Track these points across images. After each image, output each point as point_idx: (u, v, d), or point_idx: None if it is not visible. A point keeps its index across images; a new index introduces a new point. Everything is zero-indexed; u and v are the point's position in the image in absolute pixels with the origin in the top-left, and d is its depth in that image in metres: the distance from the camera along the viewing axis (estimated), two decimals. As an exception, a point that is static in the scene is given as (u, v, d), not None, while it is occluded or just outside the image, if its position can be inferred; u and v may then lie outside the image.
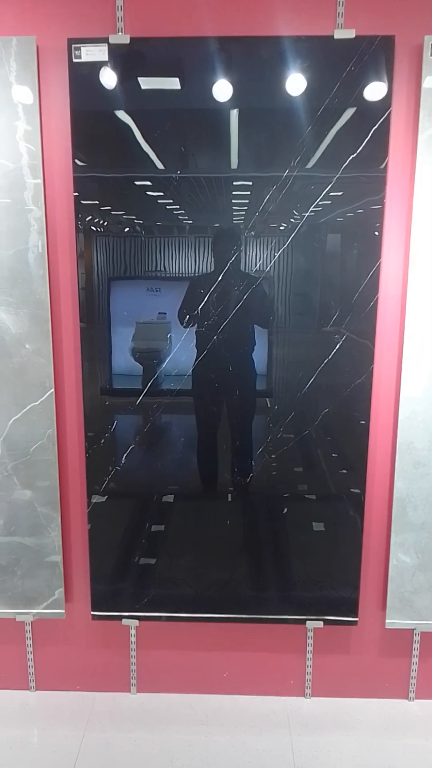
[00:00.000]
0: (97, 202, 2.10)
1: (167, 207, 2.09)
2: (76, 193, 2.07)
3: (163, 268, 2.16)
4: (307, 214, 2.05)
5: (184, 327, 2.17)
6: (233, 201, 2.08)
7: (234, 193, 2.07)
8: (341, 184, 2.02)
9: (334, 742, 2.22)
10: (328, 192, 2.03)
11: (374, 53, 1.92)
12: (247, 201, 2.07)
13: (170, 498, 2.31)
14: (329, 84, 1.94)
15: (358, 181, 2.02)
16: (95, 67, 1.97)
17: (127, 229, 2.13)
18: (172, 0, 1.98)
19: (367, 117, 1.96)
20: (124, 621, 2.34)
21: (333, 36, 1.92)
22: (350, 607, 2.30)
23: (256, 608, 2.32)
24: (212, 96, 1.98)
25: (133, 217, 2.12)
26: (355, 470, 2.22)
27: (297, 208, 2.05)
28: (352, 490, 2.23)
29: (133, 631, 2.42)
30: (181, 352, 2.18)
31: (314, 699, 2.44)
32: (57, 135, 2.06)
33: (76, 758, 2.14)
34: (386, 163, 2.00)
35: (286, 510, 2.28)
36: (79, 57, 1.95)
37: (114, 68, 1.97)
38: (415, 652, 2.38)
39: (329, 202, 2.04)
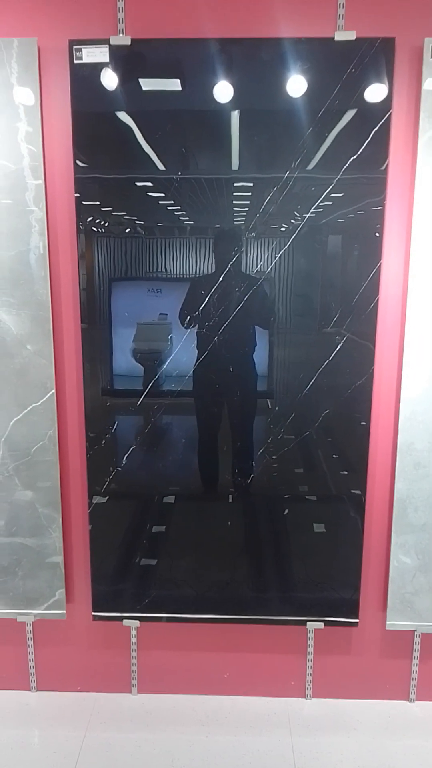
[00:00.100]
0: (98, 203, 2.10)
1: (168, 208, 2.10)
2: (77, 194, 2.08)
3: (164, 269, 2.16)
4: (307, 216, 2.06)
5: (185, 328, 2.17)
6: (234, 202, 2.08)
7: (235, 194, 2.08)
8: (342, 185, 2.02)
9: (335, 743, 2.22)
10: (329, 193, 2.03)
11: (375, 55, 1.92)
12: (248, 202, 2.08)
13: (171, 499, 2.31)
14: (330, 86, 1.94)
15: (358, 183, 2.02)
16: (96, 68, 1.97)
17: (128, 230, 2.13)
18: (173, 1, 1.99)
19: (367, 119, 1.96)
20: (125, 622, 2.34)
21: (333, 38, 1.92)
22: (351, 608, 2.30)
23: (256, 609, 2.33)
24: (213, 97, 1.99)
25: (134, 218, 2.13)
26: (356, 471, 2.22)
27: (298, 209, 2.06)
28: (352, 491, 2.23)
29: (133, 632, 2.42)
30: (182, 353, 2.18)
31: (315, 700, 2.44)
32: (58, 136, 2.06)
33: (77, 759, 2.14)
34: (387, 165, 2.00)
35: (286, 511, 2.28)
36: (80, 58, 1.96)
37: (115, 69, 1.97)
38: (416, 654, 2.38)
39: (330, 204, 2.04)
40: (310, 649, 2.41)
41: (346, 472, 2.24)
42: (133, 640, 2.43)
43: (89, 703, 2.42)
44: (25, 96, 1.99)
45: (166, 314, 2.20)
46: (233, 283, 2.12)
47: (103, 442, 2.24)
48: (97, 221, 2.12)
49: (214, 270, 2.13)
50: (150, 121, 2.02)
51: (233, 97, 1.98)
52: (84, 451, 2.26)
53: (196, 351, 2.18)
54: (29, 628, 2.43)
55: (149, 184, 2.07)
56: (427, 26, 1.96)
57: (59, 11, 2.01)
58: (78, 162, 2.05)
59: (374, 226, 2.06)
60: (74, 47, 1.96)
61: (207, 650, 2.43)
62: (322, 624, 2.30)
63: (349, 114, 1.97)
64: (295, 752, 2.17)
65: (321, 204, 2.04)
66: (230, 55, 1.96)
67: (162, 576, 2.32)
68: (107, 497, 2.27)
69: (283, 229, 2.08)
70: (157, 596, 2.32)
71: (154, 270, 2.16)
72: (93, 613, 2.34)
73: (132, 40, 1.95)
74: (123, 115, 2.02)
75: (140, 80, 1.99)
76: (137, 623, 2.36)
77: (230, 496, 2.29)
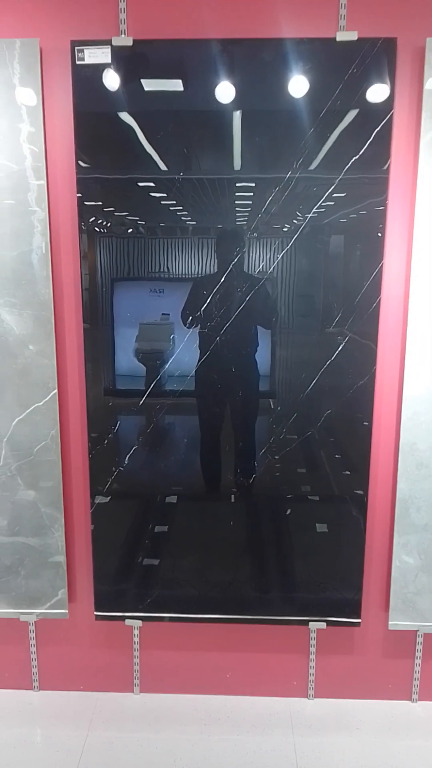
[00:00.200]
0: (100, 204, 2.10)
1: (170, 208, 2.10)
2: (80, 195, 2.08)
3: (166, 269, 2.16)
4: (309, 216, 2.06)
5: (187, 328, 2.17)
6: (236, 202, 2.08)
7: (237, 194, 2.08)
8: (344, 185, 2.02)
9: (337, 743, 2.22)
10: (331, 193, 2.03)
11: (376, 55, 1.92)
12: (250, 202, 2.08)
13: (173, 499, 2.31)
14: (331, 86, 1.94)
15: (360, 183, 2.02)
16: (98, 69, 1.97)
17: (130, 230, 2.14)
18: (175, 2, 1.99)
19: (369, 119, 1.96)
20: (128, 621, 2.35)
21: (335, 38, 1.92)
22: (353, 608, 2.29)
23: (259, 609, 2.33)
24: (215, 98, 1.99)
25: (137, 219, 2.13)
26: (358, 471, 2.22)
27: (300, 209, 2.06)
28: (355, 491, 2.23)
29: (136, 632, 2.43)
30: (184, 353, 2.18)
31: (317, 700, 2.44)
32: (60, 137, 2.07)
33: (80, 758, 2.14)
34: (389, 165, 2.00)
35: (289, 511, 2.28)
36: (83, 59, 1.96)
37: (117, 70, 1.98)
38: (418, 654, 2.38)
39: (332, 204, 2.04)
40: (313, 649, 2.41)
41: (348, 472, 2.24)
42: (136, 639, 2.43)
43: (91, 702, 2.43)
44: (28, 97, 2.00)
45: (169, 314, 2.20)
46: (235, 283, 2.12)
47: (106, 441, 2.24)
48: (99, 221, 2.12)
49: (216, 270, 2.13)
50: (152, 121, 2.03)
51: (235, 97, 1.99)
52: (86, 450, 2.26)
53: (198, 351, 2.18)
54: (32, 628, 2.44)
55: (151, 184, 2.08)
56: (429, 26, 1.96)
57: (61, 12, 2.01)
58: (80, 162, 2.05)
59: (376, 226, 2.05)
60: (76, 48, 1.96)
61: (209, 650, 2.43)
62: (325, 624, 2.30)
63: (351, 114, 1.97)
64: (297, 752, 2.17)
65: (323, 204, 2.05)
66: (232, 56, 1.96)
67: (164, 576, 2.33)
68: (109, 497, 2.27)
69: (285, 229, 2.08)
70: (160, 596, 2.32)
71: (157, 270, 2.16)
72: (95, 613, 2.35)
73: (134, 40, 1.96)
74: (125, 116, 2.02)
75: (142, 81, 1.99)
76: (139, 623, 2.37)
77: (233, 496, 2.29)
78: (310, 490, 2.28)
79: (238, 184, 2.06)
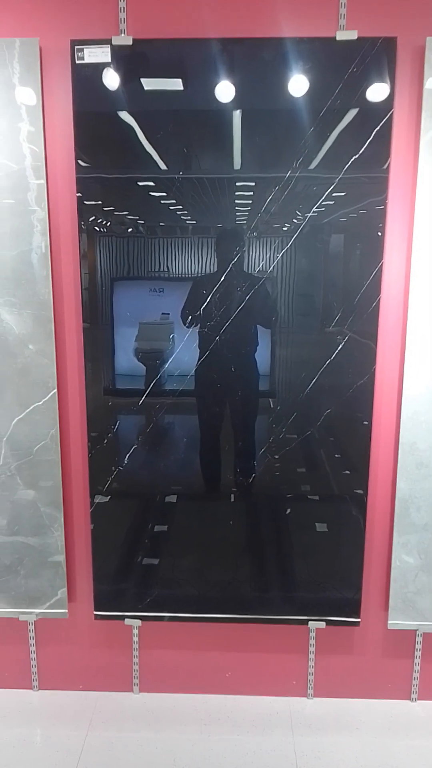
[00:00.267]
0: (100, 203, 2.10)
1: (170, 207, 2.10)
2: (79, 194, 2.08)
3: (166, 269, 2.16)
4: (309, 215, 2.06)
5: (187, 327, 2.17)
6: (236, 201, 2.08)
7: (237, 193, 2.08)
8: (344, 184, 2.02)
9: (337, 742, 2.22)
10: (331, 193, 2.03)
11: (376, 55, 1.92)
12: (250, 201, 2.08)
13: (173, 498, 2.31)
14: (331, 85, 1.94)
15: (360, 182, 2.02)
16: (98, 68, 1.97)
17: (130, 230, 2.14)
18: (175, 2, 1.99)
19: (369, 118, 1.96)
20: (127, 621, 2.35)
21: (335, 37, 1.92)
22: (353, 607, 2.29)
23: (258, 609, 2.33)
24: (215, 97, 1.99)
25: (136, 218, 2.13)
26: (358, 471, 2.22)
27: (299, 208, 2.06)
28: (354, 490, 2.23)
29: (135, 631, 2.43)
30: (184, 352, 2.18)
31: (317, 699, 2.44)
32: (60, 136, 2.07)
33: (79, 757, 2.14)
34: (388, 164, 2.00)
35: (289, 510, 2.28)
36: (82, 58, 1.96)
37: (117, 69, 1.98)
38: (418, 653, 2.38)
39: (332, 203, 2.04)
40: (312, 649, 2.41)
41: (348, 472, 2.24)
42: (135, 639, 2.43)
43: (91, 702, 2.43)
44: (27, 96, 2.00)
45: (168, 314, 2.20)
46: (235, 282, 2.12)
47: (105, 441, 2.24)
48: (99, 221, 2.12)
49: (216, 269, 2.13)
50: (152, 120, 2.03)
51: (235, 96, 1.98)
52: (86, 450, 2.26)
53: (198, 350, 2.18)
54: (31, 627, 2.43)
55: (151, 183, 2.08)
56: (429, 26, 1.96)
57: (61, 11, 2.01)
58: (80, 162, 2.05)
59: (376, 226, 2.05)
60: (76, 47, 1.96)
61: (209, 649, 2.43)
62: (324, 623, 2.30)
63: (351, 113, 1.97)
64: (296, 752, 2.17)
65: (323, 203, 2.05)
66: (232, 55, 1.96)
67: (164, 575, 2.33)
68: (109, 496, 2.27)
69: (285, 228, 2.08)
70: (159, 595, 2.32)
71: (156, 269, 2.16)
72: (95, 612, 2.35)
73: (134, 40, 1.96)
74: (125, 115, 2.02)
75: (142, 80, 1.99)
76: (139, 622, 2.37)
77: (232, 496, 2.29)
78: (309, 490, 2.28)
79: (237, 184, 2.06)
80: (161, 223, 2.13)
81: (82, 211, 2.10)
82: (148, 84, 2.00)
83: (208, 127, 2.05)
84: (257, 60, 1.96)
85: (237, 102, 1.99)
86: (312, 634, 2.40)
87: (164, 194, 2.08)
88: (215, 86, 1.98)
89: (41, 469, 2.22)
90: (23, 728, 2.29)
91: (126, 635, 2.43)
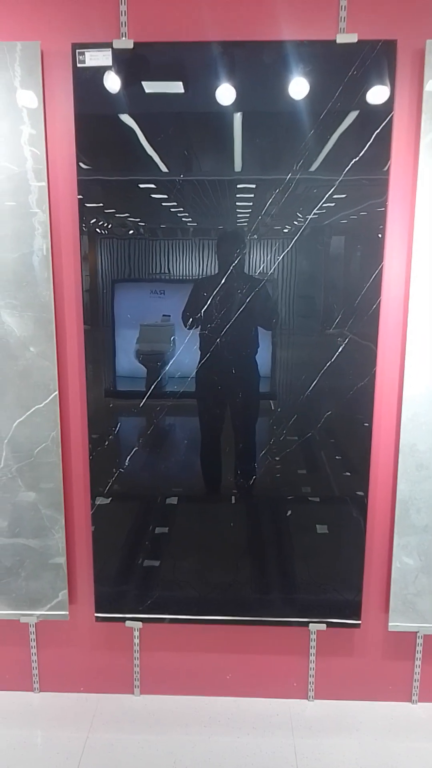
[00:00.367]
0: (101, 205, 2.11)
1: (171, 210, 2.10)
2: (80, 196, 2.09)
3: (167, 271, 2.16)
4: (310, 217, 2.06)
5: (188, 329, 2.18)
6: (237, 204, 2.09)
7: (237, 195, 2.08)
8: (344, 187, 2.02)
9: (337, 744, 2.21)
10: (331, 195, 2.03)
11: (376, 57, 1.92)
12: (251, 204, 2.08)
13: (174, 500, 2.31)
14: (332, 88, 1.95)
15: (360, 184, 2.02)
16: (99, 71, 1.98)
17: (131, 232, 2.14)
18: (175, 5, 2.00)
19: (369, 120, 1.97)
20: (128, 623, 2.35)
21: (335, 40, 1.93)
22: (353, 609, 2.30)
23: (259, 610, 2.33)
24: (215, 100, 1.99)
25: (137, 220, 2.13)
26: (359, 473, 2.22)
27: (300, 210, 2.06)
28: (355, 492, 2.23)
29: (136, 633, 2.43)
30: (185, 354, 2.19)
31: (317, 701, 2.44)
32: (61, 139, 2.07)
33: (80, 759, 2.14)
34: (389, 166, 2.00)
35: (289, 512, 2.28)
36: (83, 62, 1.97)
37: (118, 73, 1.98)
38: (418, 655, 2.38)
39: (332, 205, 2.05)
40: (313, 651, 2.41)
41: (348, 474, 2.24)
42: (136, 641, 2.43)
43: (92, 704, 2.43)
44: (29, 99, 2.01)
45: (169, 316, 2.20)
46: (236, 284, 2.13)
47: (106, 443, 2.24)
48: (100, 223, 2.12)
49: (216, 271, 2.14)
50: (153, 123, 2.03)
51: (235, 99, 1.99)
52: (87, 452, 2.26)
53: (199, 352, 2.18)
54: (32, 629, 2.44)
55: (152, 186, 2.08)
56: (429, 28, 1.96)
57: (62, 15, 2.02)
58: (81, 164, 2.06)
59: (376, 228, 2.06)
60: (77, 51, 1.97)
61: (209, 651, 2.43)
62: (325, 625, 2.30)
63: (351, 116, 1.97)
64: (297, 754, 2.17)
65: (323, 205, 2.05)
66: (232, 58, 1.97)
67: (165, 577, 2.33)
68: (110, 498, 2.27)
69: (285, 230, 2.08)
70: (160, 597, 2.32)
71: (157, 272, 2.17)
72: (96, 614, 2.35)
73: (135, 43, 1.96)
74: (126, 118, 2.02)
75: (143, 83, 1.99)
76: (140, 624, 2.37)
77: (233, 498, 2.29)
78: (310, 492, 2.28)
79: (238, 186, 2.07)
80: (162, 226, 2.13)
81: (83, 213, 2.10)
82: (149, 87, 2.00)
83: (209, 129, 2.05)
84: (258, 63, 1.97)
85: (237, 104, 2.00)
86: (312, 636, 2.40)
87: (165, 196, 2.09)
88: (216, 89, 1.98)
89: (42, 471, 2.23)
90: (24, 730, 2.29)
91: (127, 637, 2.43)
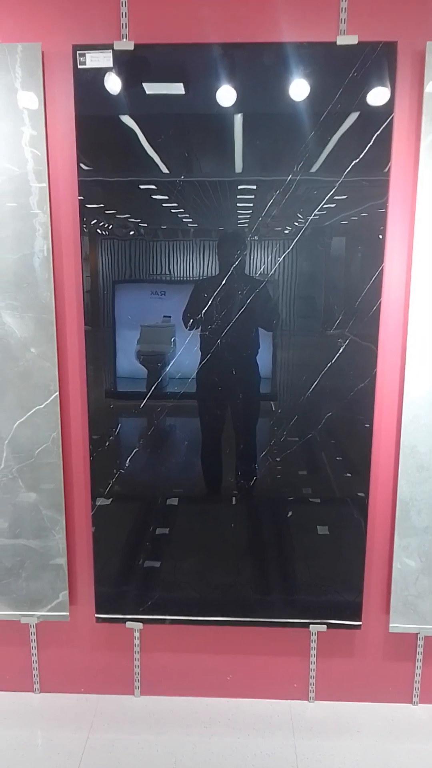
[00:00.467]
0: (101, 206, 2.11)
1: (172, 211, 2.11)
2: (81, 197, 2.09)
3: (167, 272, 2.17)
4: (310, 218, 2.06)
5: (188, 330, 2.18)
6: (237, 205, 2.09)
7: (238, 197, 2.08)
8: (344, 188, 2.02)
9: (338, 745, 2.21)
10: (332, 196, 2.03)
11: (377, 59, 1.92)
12: (252, 205, 2.08)
13: (174, 501, 2.31)
14: (332, 89, 1.95)
15: (361, 186, 2.02)
16: (100, 72, 1.98)
17: (131, 233, 2.14)
18: (176, 7, 2.00)
19: (369, 122, 1.97)
20: (128, 624, 2.35)
21: (336, 42, 1.93)
22: (354, 610, 2.29)
23: (260, 611, 2.33)
24: (216, 101, 2.00)
25: (138, 221, 2.14)
26: (359, 474, 2.22)
27: (301, 211, 2.06)
28: (356, 493, 2.23)
29: (137, 634, 2.43)
30: (185, 355, 2.19)
31: (318, 702, 2.44)
32: (62, 140, 2.07)
33: (80, 760, 2.14)
34: (389, 168, 2.01)
35: (290, 513, 2.28)
36: (84, 63, 1.97)
37: (118, 74, 1.98)
38: (419, 656, 2.38)
39: (333, 206, 2.05)
40: (313, 652, 2.41)
41: (349, 475, 2.24)
42: (136, 642, 2.43)
43: (92, 704, 2.43)
44: (29, 100, 2.01)
45: (170, 316, 2.21)
46: (236, 285, 2.13)
47: (107, 444, 2.24)
48: (100, 224, 2.13)
49: (217, 272, 2.14)
50: (153, 124, 2.03)
51: (236, 100, 1.99)
52: (87, 453, 2.27)
53: (200, 353, 2.18)
54: (32, 630, 2.44)
55: (153, 187, 2.08)
56: (429, 30, 1.96)
57: (63, 16, 2.02)
58: (82, 165, 2.06)
59: (377, 229, 2.06)
60: (78, 52, 1.97)
61: (210, 652, 2.43)
62: (325, 626, 2.30)
63: (352, 117, 1.97)
64: (297, 755, 2.17)
65: (324, 206, 2.05)
66: (233, 60, 1.97)
67: (165, 578, 2.33)
68: (110, 499, 2.28)
69: (286, 231, 2.08)
70: (160, 598, 2.32)
71: (158, 272, 2.17)
72: (96, 615, 2.35)
73: (135, 44, 1.97)
74: (126, 119, 2.03)
75: (144, 84, 2.00)
76: (140, 625, 2.37)
77: (234, 499, 2.29)
78: (311, 493, 2.28)
79: (239, 187, 2.07)
80: (163, 226, 2.14)
81: (84, 214, 2.10)
82: (150, 88, 2.00)
83: (210, 130, 2.05)
84: (258, 64, 1.97)
85: (238, 106, 2.00)
86: (313, 637, 2.40)
87: (166, 197, 2.09)
88: (216, 90, 1.99)
89: (43, 472, 2.23)
90: (24, 731, 2.29)
91: (127, 638, 2.44)
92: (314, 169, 2.02)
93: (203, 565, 2.32)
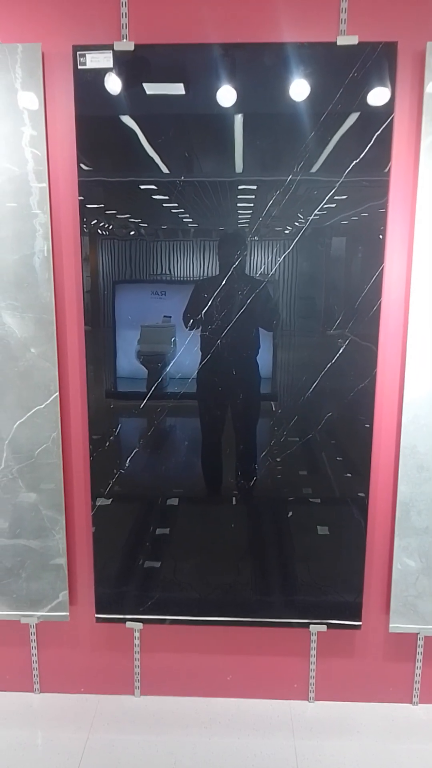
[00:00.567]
0: (102, 206, 2.11)
1: (172, 211, 2.11)
2: (81, 197, 2.09)
3: (167, 272, 2.17)
4: (311, 218, 2.06)
5: (189, 330, 2.18)
6: (238, 205, 2.09)
7: (239, 197, 2.08)
8: (345, 188, 2.02)
9: (338, 746, 2.21)
10: (332, 196, 2.03)
11: (377, 59, 1.92)
12: (252, 205, 2.08)
13: (175, 501, 2.31)
14: (332, 90, 1.95)
15: (361, 186, 2.02)
16: (100, 73, 1.98)
17: (132, 233, 2.14)
18: (176, 7, 2.00)
19: (370, 122, 1.97)
20: (128, 624, 2.35)
21: (336, 42, 1.93)
22: (354, 611, 2.29)
23: (259, 612, 2.33)
24: (216, 101, 2.00)
25: (138, 221, 2.14)
26: (360, 474, 2.22)
27: (301, 212, 2.06)
28: (356, 493, 2.23)
29: (137, 634, 2.43)
30: (186, 355, 2.19)
31: (318, 703, 2.44)
32: (62, 140, 2.08)
33: (80, 760, 2.14)
34: (389, 168, 2.01)
35: (290, 513, 2.28)
36: (84, 64, 1.97)
37: (119, 74, 1.98)
38: (419, 657, 2.38)
39: (333, 206, 2.05)
40: (313, 652, 2.41)
41: (349, 475, 2.24)
42: (137, 642, 2.44)
43: (92, 704, 2.43)
44: (30, 101, 2.01)
45: (170, 317, 2.21)
46: (237, 285, 2.13)
47: (107, 444, 2.24)
48: (101, 224, 2.13)
49: (217, 273, 2.14)
50: (154, 124, 2.03)
51: (236, 101, 1.99)
52: (87, 453, 2.27)
53: (200, 354, 2.18)
54: (33, 630, 2.44)
55: (153, 187, 2.08)
56: (430, 30, 1.96)
57: (63, 17, 2.02)
58: (82, 165, 2.06)
59: (377, 229, 2.06)
60: (78, 53, 1.97)
61: (210, 653, 2.43)
62: (325, 627, 2.30)
63: (352, 118, 1.97)
64: (297, 755, 2.17)
65: (324, 207, 2.05)
66: (233, 60, 1.97)
67: (165, 578, 2.33)
68: (111, 499, 2.28)
69: (286, 231, 2.08)
70: (161, 598, 2.32)
71: (158, 272, 2.17)
72: (96, 615, 2.35)
73: (135, 45, 1.97)
74: (127, 119, 2.03)
75: (144, 85, 2.00)
76: (140, 625, 2.37)
77: (234, 499, 2.29)
78: (311, 493, 2.28)
79: (239, 187, 2.07)
80: (163, 227, 2.14)
81: (84, 214, 2.10)
82: (150, 88, 2.00)
83: (210, 130, 2.05)
84: (258, 64, 1.97)
85: (238, 106, 2.00)
86: (313, 638, 2.40)
87: (166, 197, 2.09)
88: (217, 90, 1.99)
89: (43, 472, 2.23)
90: (24, 731, 2.29)
91: (127, 638, 2.44)
92: (314, 169, 2.02)
93: (203, 565, 2.33)
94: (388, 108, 1.96)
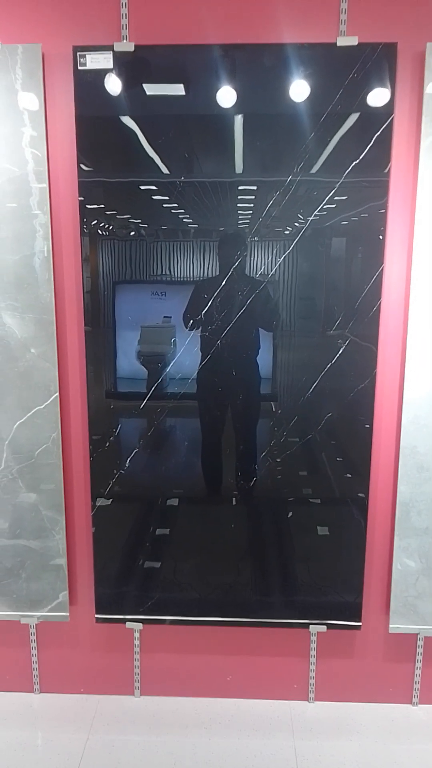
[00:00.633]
0: (102, 206, 2.11)
1: (172, 211, 2.11)
2: (81, 198, 2.09)
3: (167, 272, 2.17)
4: (311, 219, 2.06)
5: (189, 331, 2.18)
6: (238, 205, 2.09)
7: (239, 197, 2.08)
8: (345, 188, 2.03)
9: (338, 746, 2.21)
10: (332, 197, 2.04)
11: (377, 60, 1.93)
12: (252, 205, 2.08)
13: (175, 501, 2.31)
14: (332, 90, 1.95)
15: (361, 186, 2.02)
16: (100, 74, 1.99)
17: (132, 233, 2.14)
18: (176, 8, 2.00)
19: (370, 123, 1.97)
20: (128, 624, 2.35)
21: (336, 43, 1.93)
22: (354, 611, 2.29)
23: (260, 612, 2.33)
24: (216, 102, 2.00)
25: (138, 221, 2.14)
26: (360, 474, 2.22)
27: (301, 212, 2.06)
28: (356, 494, 2.23)
29: (137, 634, 2.43)
30: (186, 356, 2.19)
31: (318, 703, 2.44)
32: (62, 141, 2.08)
33: (80, 760, 2.14)
34: (389, 169, 2.01)
35: (290, 514, 2.28)
36: (84, 64, 1.97)
37: (119, 75, 1.99)
38: (419, 657, 2.38)
39: (333, 207, 2.05)
40: (313, 653, 2.41)
41: (349, 475, 2.24)
42: (136, 642, 2.44)
43: (92, 705, 2.43)
44: (30, 101, 2.01)
45: (170, 317, 2.21)
46: (237, 286, 2.13)
47: (107, 444, 2.25)
48: (101, 225, 2.13)
49: (217, 273, 2.14)
50: (154, 125, 2.03)
51: (236, 101, 1.99)
52: (87, 453, 2.27)
53: (200, 354, 2.18)
54: (33, 630, 2.44)
55: (153, 187, 2.09)
56: (429, 31, 1.96)
57: (63, 18, 2.02)
58: (82, 166, 2.06)
59: (377, 229, 2.06)
60: (78, 53, 1.97)
61: (210, 653, 2.43)
62: (325, 627, 2.30)
63: (352, 118, 1.98)
64: (297, 755, 2.17)
65: (324, 207, 2.05)
66: (233, 61, 1.97)
67: (165, 578, 2.33)
68: (110, 500, 2.28)
69: (286, 232, 2.08)
70: (161, 599, 2.32)
71: (158, 273, 2.17)
72: (96, 616, 2.35)
73: (135, 46, 1.97)
74: (127, 120, 2.03)
75: (144, 85, 2.00)
76: (140, 626, 2.37)
77: (234, 499, 2.29)
78: (311, 493, 2.28)
79: (239, 188, 2.07)
80: (163, 227, 2.14)
81: (84, 215, 2.11)
82: (150, 89, 2.01)
83: (210, 131, 2.06)
84: (258, 65, 1.97)
85: (238, 107, 2.00)
86: (313, 638, 2.40)
87: (166, 198, 2.09)
88: (217, 91, 1.99)
89: (43, 472, 2.23)
90: (24, 731, 2.29)
91: (127, 638, 2.44)
92: (314, 169, 2.02)
93: (203, 565, 2.33)
94: (388, 109, 1.96)
